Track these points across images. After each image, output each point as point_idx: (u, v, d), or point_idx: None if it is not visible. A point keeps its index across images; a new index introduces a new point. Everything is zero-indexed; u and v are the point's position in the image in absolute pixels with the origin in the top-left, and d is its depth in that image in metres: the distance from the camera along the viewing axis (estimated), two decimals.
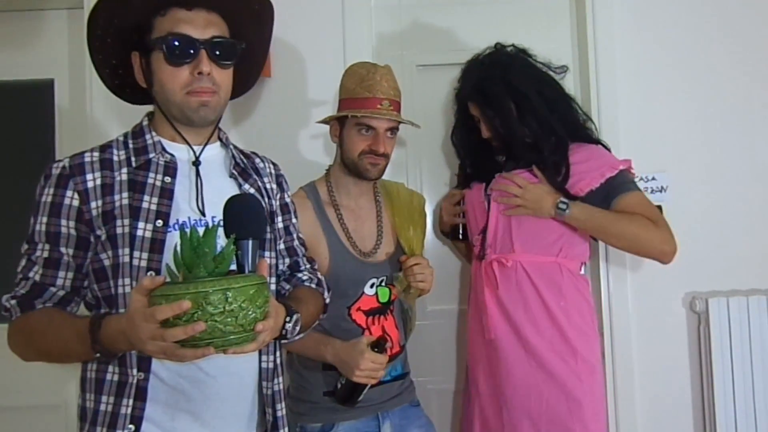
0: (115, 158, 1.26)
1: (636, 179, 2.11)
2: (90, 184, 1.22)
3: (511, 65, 1.85)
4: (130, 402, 1.19)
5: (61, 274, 1.22)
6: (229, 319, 0.97)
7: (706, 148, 2.19)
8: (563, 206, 1.73)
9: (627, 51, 2.19)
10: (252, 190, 1.37)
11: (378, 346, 1.61)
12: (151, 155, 1.27)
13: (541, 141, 1.79)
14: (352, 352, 1.59)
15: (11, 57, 2.28)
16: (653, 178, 2.17)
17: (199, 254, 1.01)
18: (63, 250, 1.22)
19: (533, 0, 2.29)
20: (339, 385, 1.63)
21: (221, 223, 1.17)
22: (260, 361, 1.32)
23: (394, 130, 1.73)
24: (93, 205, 1.21)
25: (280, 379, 1.36)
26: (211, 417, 1.25)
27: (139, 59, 1.27)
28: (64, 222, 1.21)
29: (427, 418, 1.82)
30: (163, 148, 1.28)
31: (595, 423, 1.76)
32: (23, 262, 1.23)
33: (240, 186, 1.36)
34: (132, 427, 1.18)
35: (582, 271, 1.91)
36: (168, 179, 1.26)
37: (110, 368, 1.21)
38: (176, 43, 1.21)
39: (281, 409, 1.34)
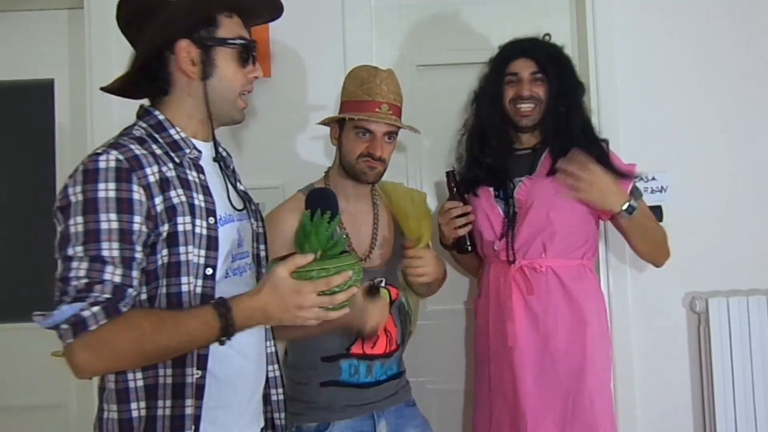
0: (157, 152, 1.22)
1: (636, 179, 2.12)
2: (151, 179, 1.16)
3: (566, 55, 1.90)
4: (191, 402, 1.18)
5: (135, 274, 1.13)
6: (359, 285, 1.22)
7: (706, 148, 2.19)
8: (631, 208, 1.70)
9: (627, 51, 2.19)
10: (243, 188, 1.41)
11: (371, 291, 1.66)
12: (186, 151, 1.26)
13: (569, 126, 1.81)
14: (356, 314, 1.57)
15: (11, 57, 2.28)
16: (653, 178, 2.16)
17: (333, 237, 1.23)
18: (138, 248, 1.13)
19: (533, 0, 2.29)
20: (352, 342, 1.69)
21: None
22: (266, 347, 1.40)
23: (392, 134, 1.73)
24: (157, 200, 1.16)
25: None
26: (247, 406, 1.31)
27: (195, 49, 1.25)
28: (137, 219, 1.13)
29: (423, 418, 1.82)
30: (194, 145, 1.28)
31: (611, 423, 1.80)
32: (85, 265, 1.09)
33: (239, 183, 1.39)
34: (192, 427, 1.18)
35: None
36: (202, 176, 1.26)
37: (161, 372, 1.17)
38: (251, 47, 1.29)
39: (276, 370, 1.44)
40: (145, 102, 1.32)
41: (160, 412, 1.17)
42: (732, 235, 2.17)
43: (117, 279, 1.10)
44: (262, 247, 1.40)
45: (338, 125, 1.74)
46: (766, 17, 2.21)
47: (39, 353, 2.18)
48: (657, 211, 2.14)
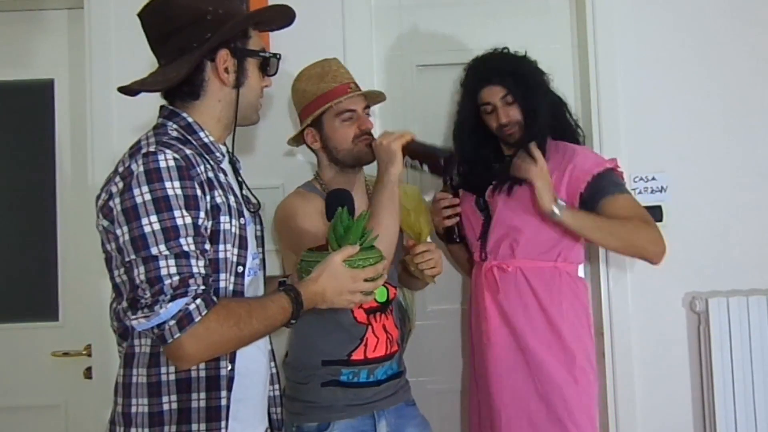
0: (197, 153, 1.26)
1: (636, 179, 2.12)
2: (203, 177, 1.21)
3: (528, 61, 1.91)
4: (225, 394, 1.22)
5: (208, 265, 1.18)
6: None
7: (706, 148, 2.18)
8: (557, 210, 1.70)
9: (627, 51, 2.19)
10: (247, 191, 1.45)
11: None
12: (217, 154, 1.31)
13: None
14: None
15: (11, 57, 2.28)
16: (653, 178, 2.16)
17: (365, 232, 1.35)
18: (207, 241, 1.19)
19: (533, 0, 2.29)
20: None
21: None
22: (270, 343, 1.45)
23: (367, 108, 1.77)
24: (208, 198, 1.21)
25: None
26: (261, 400, 1.38)
27: (232, 59, 1.30)
28: (202, 214, 1.18)
29: (422, 418, 1.82)
30: (219, 148, 1.33)
31: (589, 425, 1.80)
32: (172, 262, 1.12)
33: (245, 184, 1.43)
34: (226, 418, 1.22)
35: (580, 274, 1.94)
36: (227, 178, 1.32)
37: (193, 366, 1.20)
38: (278, 60, 1.38)
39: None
40: (158, 102, 1.34)
41: (194, 404, 1.20)
42: (732, 235, 2.17)
43: (203, 270, 1.15)
44: (259, 249, 1.43)
45: (315, 128, 1.74)
46: (766, 17, 2.21)
47: (39, 353, 2.19)
48: (657, 211, 2.14)
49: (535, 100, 1.83)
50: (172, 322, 1.10)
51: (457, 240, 1.95)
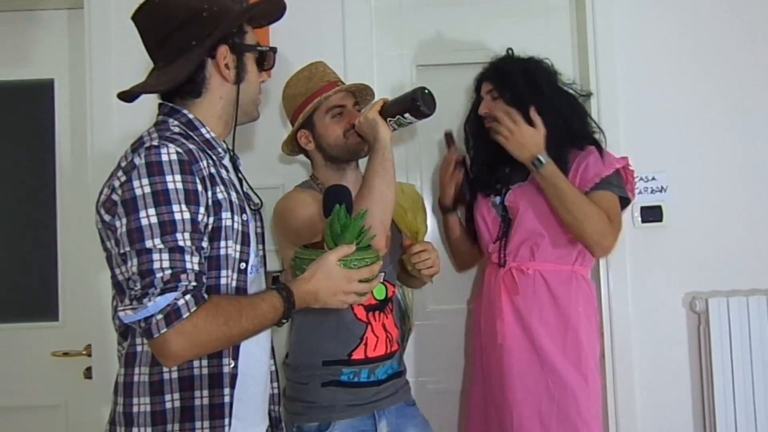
0: (199, 148, 1.26)
1: (636, 179, 2.12)
2: (205, 172, 1.21)
3: (542, 70, 1.92)
4: (228, 391, 1.22)
5: (204, 261, 1.18)
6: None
7: (706, 148, 2.19)
8: (538, 163, 1.77)
9: (627, 51, 2.19)
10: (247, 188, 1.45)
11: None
12: (219, 150, 1.32)
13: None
14: None
15: (11, 57, 2.28)
16: (653, 178, 2.16)
17: (362, 231, 1.32)
18: (204, 237, 1.18)
19: (533, 0, 2.29)
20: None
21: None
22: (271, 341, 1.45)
23: (357, 104, 1.79)
24: (209, 194, 1.20)
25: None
26: (262, 399, 1.38)
27: (231, 54, 1.31)
28: (201, 210, 1.17)
29: (423, 417, 1.82)
30: (220, 144, 1.33)
31: (596, 423, 1.83)
32: (166, 256, 1.11)
33: (245, 181, 1.44)
34: (229, 415, 1.22)
35: (590, 276, 1.96)
36: (229, 175, 1.32)
37: (196, 363, 1.20)
38: (275, 53, 1.39)
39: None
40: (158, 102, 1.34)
41: (197, 402, 1.20)
42: (732, 235, 2.17)
43: (196, 267, 1.14)
44: (260, 246, 1.43)
45: (307, 128, 1.75)
46: (766, 17, 2.21)
47: (39, 353, 2.19)
48: (657, 211, 2.15)
49: (528, 99, 1.84)
50: (160, 316, 1.09)
51: (467, 198, 1.99)
